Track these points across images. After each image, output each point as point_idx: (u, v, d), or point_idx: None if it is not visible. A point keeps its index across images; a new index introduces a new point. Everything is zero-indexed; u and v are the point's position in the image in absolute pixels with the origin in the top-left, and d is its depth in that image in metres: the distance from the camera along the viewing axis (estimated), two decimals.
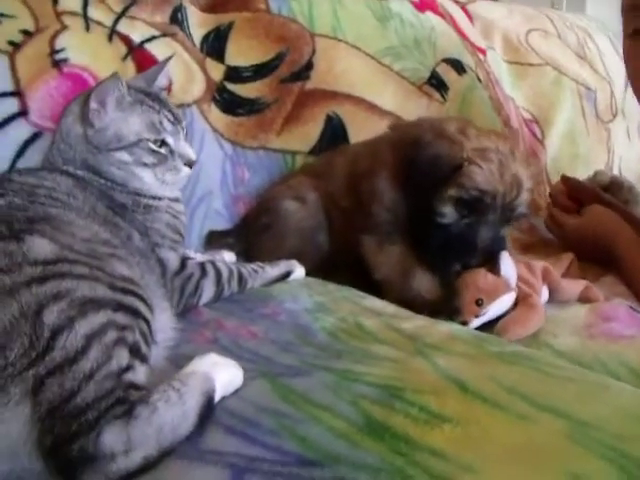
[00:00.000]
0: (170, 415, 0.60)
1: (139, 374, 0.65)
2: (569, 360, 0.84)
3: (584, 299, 1.08)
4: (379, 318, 0.88)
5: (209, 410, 0.65)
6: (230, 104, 1.32)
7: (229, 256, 1.18)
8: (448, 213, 1.01)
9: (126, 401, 0.59)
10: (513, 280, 1.00)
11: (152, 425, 0.59)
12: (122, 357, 0.63)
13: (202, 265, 0.99)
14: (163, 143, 0.97)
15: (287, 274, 1.09)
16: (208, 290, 0.98)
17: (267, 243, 1.20)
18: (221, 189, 1.26)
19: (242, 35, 1.38)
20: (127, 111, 0.94)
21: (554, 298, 1.07)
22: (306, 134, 1.35)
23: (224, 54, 1.36)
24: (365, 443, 0.57)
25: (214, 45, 1.36)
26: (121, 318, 0.66)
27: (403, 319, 0.88)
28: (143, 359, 0.67)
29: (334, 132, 1.37)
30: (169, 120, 0.98)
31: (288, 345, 0.80)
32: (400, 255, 1.07)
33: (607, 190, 1.57)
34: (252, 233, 1.23)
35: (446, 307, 0.97)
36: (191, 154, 1.00)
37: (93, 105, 0.92)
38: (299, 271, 1.11)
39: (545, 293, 1.06)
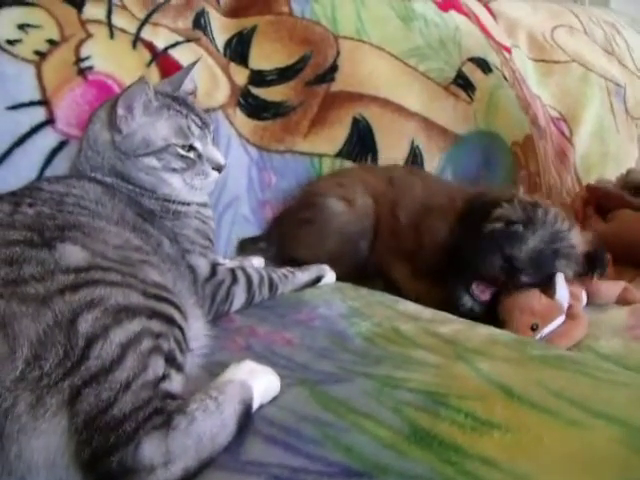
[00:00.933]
0: (209, 425, 0.58)
1: (175, 383, 0.64)
2: (614, 363, 0.81)
3: (622, 301, 1.05)
4: (416, 323, 0.86)
5: (248, 419, 0.63)
6: (255, 108, 1.30)
7: (258, 261, 1.17)
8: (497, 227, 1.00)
9: (164, 411, 0.58)
10: (566, 302, 0.96)
11: (191, 436, 0.57)
12: (158, 366, 0.62)
13: (233, 271, 0.97)
14: (191, 148, 0.95)
15: (318, 279, 1.08)
16: (239, 296, 0.96)
17: (306, 238, 1.19)
18: (248, 194, 1.24)
19: (265, 39, 1.37)
20: (154, 116, 0.93)
21: (592, 301, 1.04)
22: (333, 137, 1.34)
23: (248, 58, 1.34)
24: (413, 453, 0.54)
25: (237, 49, 1.35)
26: (156, 326, 0.65)
27: (440, 323, 0.85)
28: (179, 368, 0.66)
29: (361, 134, 1.36)
30: (197, 124, 0.96)
31: (324, 351, 0.78)
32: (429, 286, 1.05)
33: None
34: (291, 225, 1.22)
35: None
36: (220, 158, 0.98)
37: (120, 111, 0.91)
38: (330, 276, 1.09)
39: (584, 297, 1.02)
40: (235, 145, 1.25)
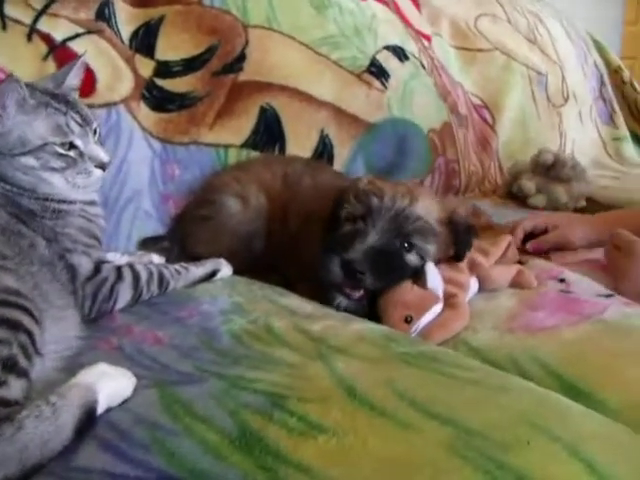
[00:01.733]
0: (39, 431, 0.58)
1: (14, 390, 0.63)
2: (482, 358, 0.82)
3: (516, 284, 1.05)
4: (291, 318, 0.85)
5: (90, 423, 0.62)
6: (160, 101, 1.28)
7: (158, 259, 1.15)
8: (344, 229, 0.97)
9: None
10: (440, 289, 0.95)
11: (15, 444, 0.56)
12: None
13: (118, 269, 0.96)
14: (72, 146, 0.93)
15: (213, 273, 1.06)
16: (124, 294, 0.94)
17: (203, 234, 1.17)
18: (150, 188, 1.22)
19: (173, 29, 1.33)
20: (31, 114, 0.90)
21: (484, 287, 1.03)
22: (239, 127, 1.32)
23: (154, 49, 1.31)
24: (233, 458, 0.54)
25: (144, 41, 1.31)
26: None
27: (315, 319, 0.85)
28: (20, 373, 0.64)
29: (268, 124, 1.34)
30: (76, 122, 0.93)
31: (190, 350, 0.78)
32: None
33: (551, 168, 1.55)
34: (190, 221, 1.20)
35: None
36: (102, 156, 0.96)
37: None
38: (225, 270, 1.08)
39: (474, 285, 1.02)
40: (137, 139, 1.22)
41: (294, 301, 0.94)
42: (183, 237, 1.19)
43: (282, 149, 1.34)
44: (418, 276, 0.94)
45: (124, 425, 0.62)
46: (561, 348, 0.82)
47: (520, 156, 1.73)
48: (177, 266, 1.04)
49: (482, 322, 0.92)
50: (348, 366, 0.69)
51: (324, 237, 0.99)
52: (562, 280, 1.05)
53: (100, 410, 0.64)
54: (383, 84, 1.50)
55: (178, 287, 1.02)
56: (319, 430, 0.56)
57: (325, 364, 0.69)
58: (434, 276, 0.95)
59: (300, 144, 1.36)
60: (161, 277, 1.00)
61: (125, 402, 0.67)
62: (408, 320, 0.89)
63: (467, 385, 0.65)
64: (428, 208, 0.96)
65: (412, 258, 0.96)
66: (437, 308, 0.92)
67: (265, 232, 1.15)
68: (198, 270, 1.05)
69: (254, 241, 1.15)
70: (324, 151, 1.38)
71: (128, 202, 1.19)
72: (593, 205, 1.52)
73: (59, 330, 0.78)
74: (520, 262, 1.14)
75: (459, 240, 1.00)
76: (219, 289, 1.00)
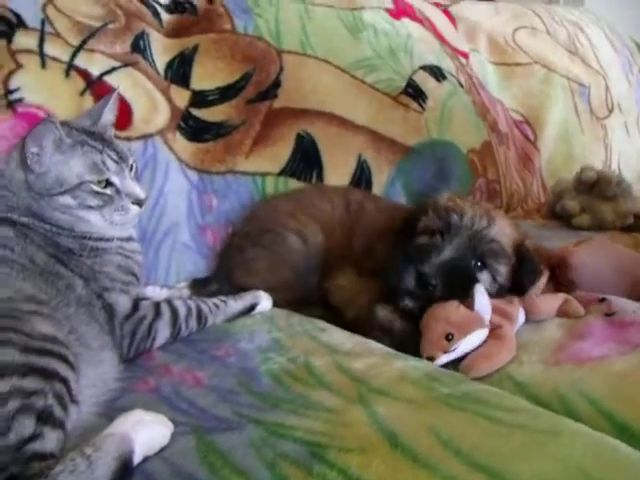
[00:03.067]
0: None
1: (49, 442, 0.61)
2: (527, 394, 0.78)
3: (562, 314, 1.00)
4: (332, 357, 0.83)
5: (126, 474, 0.61)
6: (196, 131, 1.27)
7: None
8: (422, 242, 0.99)
9: (23, 477, 0.55)
10: (487, 315, 0.92)
11: None
12: (24, 426, 0.59)
13: (157, 305, 0.95)
14: (108, 183, 0.93)
15: (252, 306, 1.05)
16: (163, 332, 0.93)
17: (259, 263, 1.15)
18: (188, 220, 1.21)
19: (207, 58, 1.33)
20: (67, 153, 0.91)
21: (531, 318, 0.99)
22: (276, 154, 1.30)
23: (189, 79, 1.31)
24: None
25: (179, 71, 1.31)
26: (30, 383, 0.63)
27: (356, 356, 0.82)
28: (56, 424, 0.63)
29: (305, 151, 1.32)
30: (112, 159, 0.93)
31: (228, 394, 0.76)
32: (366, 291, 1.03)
33: (595, 186, 1.49)
34: (241, 248, 1.18)
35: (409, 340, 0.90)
36: (139, 192, 0.95)
37: (31, 150, 0.89)
38: (265, 303, 1.06)
39: (521, 316, 0.98)
40: (174, 171, 1.22)
41: (335, 336, 0.91)
42: (231, 267, 1.18)
43: (320, 176, 1.32)
44: (466, 297, 0.92)
45: (161, 478, 0.60)
46: (611, 381, 0.77)
47: (564, 172, 1.67)
48: (216, 300, 1.03)
49: (528, 354, 0.88)
50: (390, 410, 0.66)
51: (398, 247, 1.01)
52: (603, 300, 1.01)
53: (137, 460, 0.63)
54: (421, 105, 1.47)
55: (217, 322, 1.00)
56: None
57: (366, 408, 0.67)
58: (483, 299, 0.92)
59: (338, 170, 1.34)
60: (199, 313, 0.98)
61: (162, 450, 0.65)
62: (449, 338, 0.87)
63: (514, 430, 0.61)
64: (504, 231, 0.98)
65: (484, 277, 0.98)
66: (481, 332, 0.89)
67: (322, 266, 1.14)
68: (237, 304, 1.04)
69: (310, 276, 1.13)
70: (362, 177, 1.35)
71: (166, 235, 1.18)
72: None
73: (96, 374, 0.77)
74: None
75: (526, 270, 1.00)
76: (258, 324, 0.98)
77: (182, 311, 0.96)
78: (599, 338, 0.89)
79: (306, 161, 1.31)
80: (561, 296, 1.02)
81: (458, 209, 0.97)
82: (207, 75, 1.32)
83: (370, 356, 0.82)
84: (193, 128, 1.27)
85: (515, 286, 1.00)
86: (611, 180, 1.48)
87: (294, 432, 0.63)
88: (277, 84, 1.34)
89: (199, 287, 1.16)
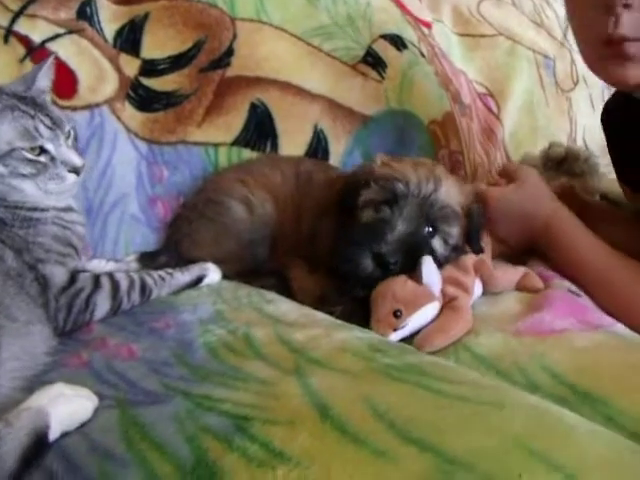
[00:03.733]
0: None
1: None
2: (487, 366, 0.74)
3: (521, 288, 0.96)
4: (274, 328, 0.78)
5: (41, 450, 0.56)
6: (146, 100, 1.21)
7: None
8: (365, 216, 0.92)
9: None
10: (437, 287, 0.87)
11: None
12: None
13: (96, 278, 0.90)
14: (42, 150, 0.87)
15: (200, 279, 1.00)
16: (102, 305, 0.89)
17: (204, 235, 1.10)
18: (137, 191, 1.16)
19: (159, 25, 1.26)
20: None
21: (488, 290, 0.95)
22: (229, 124, 1.25)
23: (140, 48, 1.24)
24: None
25: (129, 39, 1.25)
26: None
27: (300, 327, 0.78)
28: None
29: (259, 120, 1.27)
30: (46, 125, 0.88)
31: (160, 366, 0.71)
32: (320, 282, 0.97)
33: (563, 162, 1.45)
34: (190, 222, 1.12)
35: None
36: (75, 160, 0.90)
37: None
38: (213, 275, 1.02)
39: (478, 288, 0.94)
40: (122, 141, 1.16)
41: (281, 307, 0.87)
42: (179, 239, 1.13)
43: (274, 146, 1.27)
44: (413, 270, 0.87)
45: (76, 454, 0.55)
46: (573, 356, 0.73)
47: (528, 145, 1.64)
48: (161, 272, 0.98)
49: (486, 325, 0.84)
50: (324, 381, 0.62)
51: (341, 225, 0.95)
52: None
53: (53, 436, 0.58)
54: (380, 74, 1.42)
55: (162, 294, 0.96)
56: (281, 459, 0.49)
57: (300, 379, 0.62)
58: (431, 272, 0.87)
59: (293, 140, 1.28)
60: (143, 285, 0.94)
61: (83, 425, 0.60)
62: (397, 315, 0.82)
63: (455, 402, 0.57)
64: (451, 192, 0.93)
65: (437, 243, 0.93)
66: (432, 307, 0.85)
67: (271, 238, 1.08)
68: (183, 276, 0.99)
69: (257, 248, 1.08)
70: (318, 146, 1.30)
71: (114, 206, 1.13)
72: (607, 201, 1.41)
73: (21, 347, 0.72)
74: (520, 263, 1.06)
75: (474, 227, 0.96)
76: (203, 296, 0.94)
77: (124, 284, 0.92)
78: (560, 312, 0.85)
79: (260, 131, 1.26)
80: (521, 270, 0.98)
81: (401, 176, 0.90)
82: (158, 43, 1.25)
83: (314, 327, 0.78)
84: (143, 98, 1.21)
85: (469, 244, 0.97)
86: (579, 157, 1.44)
87: (221, 405, 0.59)
88: (230, 52, 1.28)
89: (148, 260, 1.11)
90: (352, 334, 0.74)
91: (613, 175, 1.46)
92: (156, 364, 0.72)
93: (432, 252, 0.91)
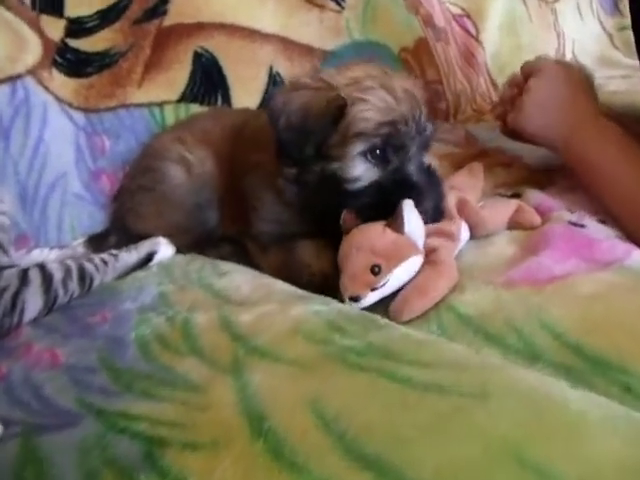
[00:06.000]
0: None
1: None
2: (475, 329, 0.59)
3: (515, 225, 0.81)
4: (219, 310, 0.64)
5: None
6: (76, 64, 1.05)
7: None
8: (364, 174, 0.73)
9: None
10: (421, 238, 0.70)
11: None
12: None
13: (23, 273, 0.76)
14: None
15: (150, 256, 0.86)
16: (33, 302, 0.75)
17: (144, 208, 0.95)
18: (77, 167, 1.01)
19: None
20: None
21: (476, 234, 0.79)
22: (172, 79, 1.08)
23: (63, 6, 1.07)
24: None
25: None
26: None
27: (251, 306, 0.64)
28: None
29: (206, 71, 1.10)
30: None
31: (83, 374, 0.58)
32: (282, 251, 0.80)
33: None
34: (128, 194, 0.97)
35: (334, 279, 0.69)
36: None
37: None
38: (164, 250, 0.87)
39: (465, 233, 0.78)
40: (54, 114, 1.00)
41: (235, 280, 0.73)
42: (123, 215, 0.98)
43: (226, 97, 1.11)
44: (393, 217, 0.70)
45: None
46: (578, 307, 0.58)
47: (512, 66, 1.44)
48: (104, 255, 0.84)
49: (472, 278, 0.68)
50: (266, 379, 0.48)
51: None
52: (572, 211, 0.81)
53: None
54: (338, 3, 1.24)
55: (107, 280, 0.82)
56: None
57: (236, 380, 0.48)
58: (413, 218, 0.70)
59: (246, 88, 1.12)
60: (82, 273, 0.80)
61: None
62: (376, 271, 0.66)
63: (427, 396, 0.43)
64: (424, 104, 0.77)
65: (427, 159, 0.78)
66: (415, 260, 0.68)
67: (217, 200, 0.91)
68: (130, 256, 0.85)
69: (205, 213, 0.92)
70: None
71: (52, 188, 0.98)
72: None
73: None
74: (515, 195, 0.90)
75: None
76: (150, 277, 0.80)
77: (58, 275, 0.77)
78: (561, 251, 0.69)
79: (208, 82, 1.09)
80: (513, 203, 0.82)
81: (398, 116, 0.71)
82: None
83: (267, 303, 0.63)
84: (72, 62, 1.05)
85: None
86: None
87: (137, 424, 0.45)
88: None
89: (97, 242, 0.96)
90: (310, 308, 0.60)
91: (610, 87, 1.28)
92: (78, 372, 0.58)
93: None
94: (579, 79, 0.92)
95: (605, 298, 0.58)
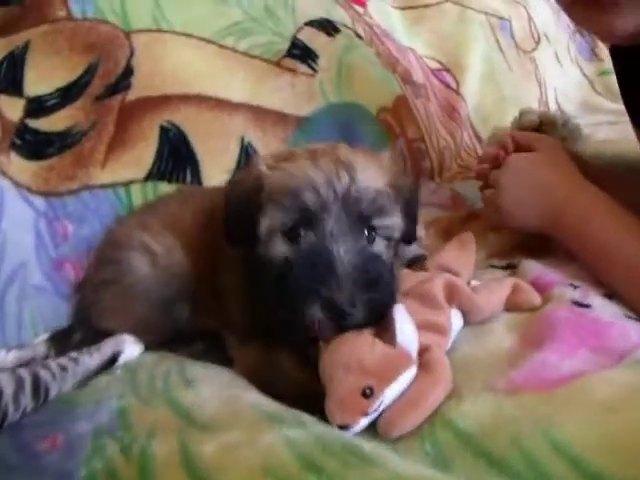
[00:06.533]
0: None
1: None
2: (475, 450, 0.50)
3: (513, 307, 0.72)
4: (180, 435, 0.55)
5: None
6: (35, 146, 0.98)
7: None
8: (277, 252, 0.65)
9: None
10: (414, 344, 0.60)
11: None
12: None
13: None
14: None
15: (115, 357, 0.77)
16: None
17: (110, 303, 0.85)
18: (37, 256, 0.92)
19: (41, 55, 1.03)
20: None
21: (470, 320, 0.70)
22: (138, 157, 1.01)
23: (22, 85, 1.01)
24: None
25: (8, 76, 1.01)
26: None
27: (216, 430, 0.55)
28: None
29: (173, 146, 1.03)
30: None
31: None
32: (260, 349, 0.70)
33: (538, 131, 1.22)
34: (91, 288, 0.88)
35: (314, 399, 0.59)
36: None
37: None
38: (131, 349, 0.79)
39: (456, 320, 0.69)
40: (12, 200, 0.93)
41: (201, 393, 0.63)
42: (87, 308, 0.89)
43: (195, 172, 1.03)
44: (381, 325, 0.60)
45: None
46: (593, 421, 0.49)
47: (496, 118, 1.40)
48: (64, 360, 0.75)
49: (470, 381, 0.59)
50: None
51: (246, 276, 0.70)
52: (575, 287, 0.72)
53: None
54: (311, 67, 1.18)
55: (66, 389, 0.73)
56: None
57: None
58: (406, 326, 0.61)
59: (217, 162, 1.04)
60: (37, 383, 0.71)
61: None
62: (367, 394, 0.56)
63: None
64: (371, 173, 0.65)
65: (380, 247, 0.66)
66: (409, 374, 0.59)
67: (188, 293, 0.82)
68: (92, 359, 0.77)
69: (174, 307, 0.82)
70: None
71: (10, 281, 0.90)
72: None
73: None
74: (510, 265, 0.82)
75: (410, 208, 0.70)
76: (111, 386, 0.71)
77: (8, 389, 0.68)
78: (567, 343, 0.61)
79: (176, 158, 1.02)
80: (508, 282, 0.74)
81: (304, 181, 0.62)
82: (43, 76, 1.02)
83: (233, 428, 0.54)
84: (31, 143, 0.98)
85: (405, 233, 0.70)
86: (555, 122, 1.21)
87: None
88: (129, 72, 1.04)
89: (61, 339, 0.87)
90: (282, 435, 0.51)
91: (598, 136, 1.22)
92: None
93: (385, 266, 0.65)
94: (553, 154, 0.86)
95: (624, 407, 0.49)
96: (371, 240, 0.65)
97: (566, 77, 1.68)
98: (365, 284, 0.60)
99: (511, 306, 0.72)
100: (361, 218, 0.63)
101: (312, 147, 0.68)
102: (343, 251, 0.61)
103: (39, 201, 0.95)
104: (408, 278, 0.73)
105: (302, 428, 0.52)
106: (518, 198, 0.83)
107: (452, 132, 1.39)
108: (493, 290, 0.72)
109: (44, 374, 0.72)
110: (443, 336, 0.65)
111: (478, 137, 1.45)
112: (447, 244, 0.84)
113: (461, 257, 0.80)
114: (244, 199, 0.66)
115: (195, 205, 0.84)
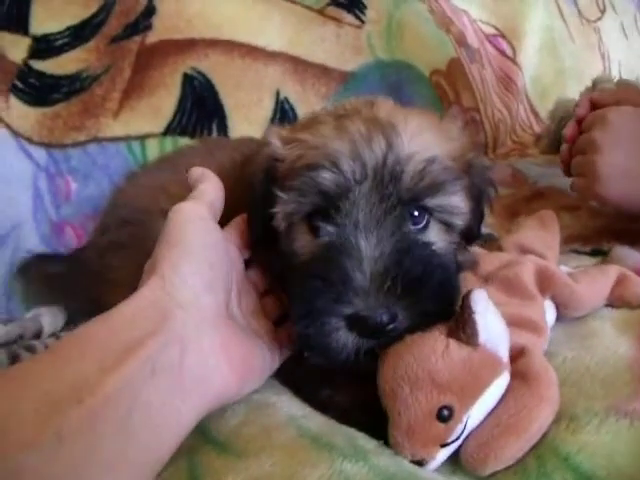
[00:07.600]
0: None
1: None
2: None
3: (617, 300, 0.55)
4: (190, 456, 0.38)
5: None
6: (40, 90, 0.83)
7: (50, 321, 0.69)
8: (301, 246, 0.47)
9: None
10: (504, 347, 0.43)
11: None
12: None
13: None
14: None
15: None
16: None
17: (122, 269, 0.68)
18: (35, 217, 0.78)
19: None
20: None
21: (567, 315, 0.53)
22: (156, 108, 0.86)
23: (28, 22, 0.85)
24: None
25: (12, 11, 0.86)
26: None
27: (238, 456, 0.38)
28: None
29: (198, 96, 0.87)
30: None
31: None
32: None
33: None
34: (96, 253, 0.72)
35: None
36: None
37: None
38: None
39: (550, 315, 0.52)
40: (9, 151, 0.78)
41: None
42: (88, 278, 0.72)
43: (222, 128, 0.87)
44: (456, 320, 0.42)
45: None
46: None
47: (556, 91, 1.21)
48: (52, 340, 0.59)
49: (585, 397, 0.41)
50: None
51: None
52: None
53: None
54: (358, 17, 1.00)
55: None
56: None
57: None
58: (490, 317, 0.43)
59: (247, 117, 0.88)
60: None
61: None
62: (444, 416, 0.39)
63: None
64: (424, 136, 0.46)
65: (436, 238, 0.47)
66: (501, 383, 0.41)
67: None
68: None
69: None
70: (285, 121, 0.89)
71: (1, 243, 0.74)
72: None
73: None
74: (597, 251, 0.65)
75: (476, 192, 0.50)
76: None
77: None
78: None
79: (200, 110, 0.86)
80: (613, 270, 0.56)
81: (323, 155, 0.45)
82: (52, 12, 0.88)
83: (266, 452, 0.37)
84: (36, 87, 0.84)
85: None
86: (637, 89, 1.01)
87: None
88: (150, 11, 0.89)
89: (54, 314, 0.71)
90: (336, 471, 0.34)
91: None
92: None
93: (438, 259, 0.46)
94: None
95: None
96: (422, 225, 0.47)
97: (631, 50, 1.48)
98: (408, 284, 0.42)
99: (616, 300, 0.55)
100: (404, 197, 0.45)
101: (344, 105, 0.50)
102: (372, 246, 0.43)
103: (40, 153, 0.81)
104: (487, 260, 0.55)
105: (362, 459, 0.35)
106: (622, 163, 0.65)
107: (508, 104, 1.21)
108: (596, 279, 0.54)
109: (26, 356, 0.56)
110: (538, 335, 0.47)
111: (535, 112, 1.26)
112: (526, 221, 0.66)
113: (545, 237, 0.63)
114: (256, 185, 0.50)
115: (223, 158, 0.66)
